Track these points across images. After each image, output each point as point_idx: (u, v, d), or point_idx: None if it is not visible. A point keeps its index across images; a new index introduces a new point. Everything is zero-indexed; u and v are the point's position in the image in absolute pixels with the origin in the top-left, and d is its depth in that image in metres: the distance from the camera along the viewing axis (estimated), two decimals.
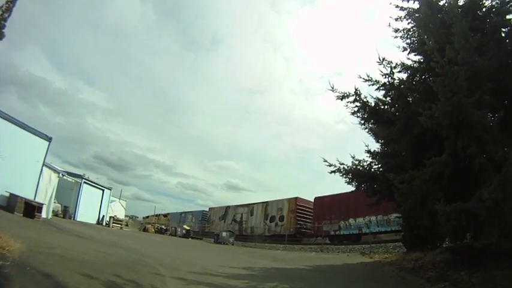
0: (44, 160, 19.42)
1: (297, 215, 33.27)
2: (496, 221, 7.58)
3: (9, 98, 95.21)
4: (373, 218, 25.05)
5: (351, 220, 26.82)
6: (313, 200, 32.42)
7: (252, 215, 39.81)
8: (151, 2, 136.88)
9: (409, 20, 13.23)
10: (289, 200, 35.10)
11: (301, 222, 32.78)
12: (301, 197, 34.72)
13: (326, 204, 29.85)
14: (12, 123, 16.70)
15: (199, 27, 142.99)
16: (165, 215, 62.30)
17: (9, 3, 9.07)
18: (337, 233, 27.56)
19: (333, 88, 13.17)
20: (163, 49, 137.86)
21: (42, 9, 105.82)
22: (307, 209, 33.40)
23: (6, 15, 8.80)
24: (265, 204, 38.23)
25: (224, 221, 44.78)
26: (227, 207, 46.14)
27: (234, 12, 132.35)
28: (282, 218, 34.84)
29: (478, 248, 8.19)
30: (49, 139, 19.48)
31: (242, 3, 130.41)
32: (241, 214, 41.89)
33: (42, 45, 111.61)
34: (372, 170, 13.58)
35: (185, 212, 58.19)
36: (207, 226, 47.11)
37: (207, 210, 52.00)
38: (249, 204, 41.59)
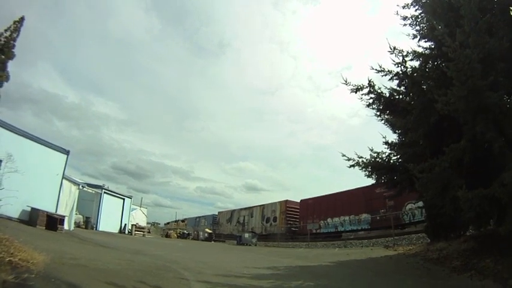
0: (63, 173, 19.70)
1: (287, 216, 36.96)
2: None
3: (23, 115, 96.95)
4: (346, 218, 28.62)
5: (329, 220, 30.46)
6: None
7: (252, 216, 43.74)
8: (155, 12, 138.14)
9: (417, 7, 13.06)
10: (280, 202, 38.90)
11: (291, 222, 36.08)
12: (290, 199, 38.47)
13: (310, 206, 33.68)
14: (29, 139, 17.10)
15: (205, 33, 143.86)
16: (182, 221, 65.64)
17: (16, 23, 9.27)
18: (317, 231, 30.76)
19: (346, 81, 13.12)
20: (172, 57, 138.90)
21: (49, 27, 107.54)
22: (295, 210, 36.71)
23: (15, 35, 8.99)
24: (262, 206, 42.22)
25: (230, 223, 48.54)
26: (233, 211, 50.07)
27: (238, 16, 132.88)
28: (275, 219, 38.70)
29: (502, 234, 8.03)
30: (67, 152, 19.76)
31: (244, 6, 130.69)
32: (244, 216, 45.81)
33: (52, 61, 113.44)
34: (391, 161, 13.47)
35: (199, 217, 62.23)
36: (216, 228, 49.45)
37: (217, 214, 55.99)
38: (250, 207, 45.70)
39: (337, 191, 31.20)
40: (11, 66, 9.15)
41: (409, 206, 23.27)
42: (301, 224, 33.62)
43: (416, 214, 22.39)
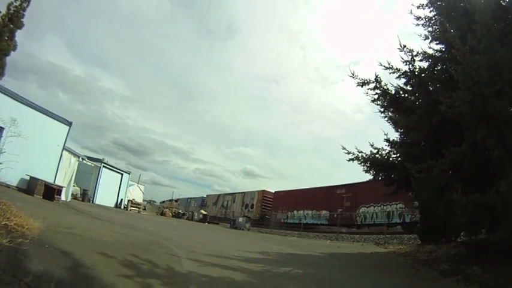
0: (64, 144, 19.66)
1: (262, 204, 40.70)
2: None
3: (29, 86, 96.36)
4: (309, 212, 32.29)
5: (295, 212, 34.24)
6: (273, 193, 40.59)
7: (234, 202, 47.47)
8: None
9: (431, 8, 12.92)
10: (258, 192, 42.62)
11: (265, 210, 39.71)
12: (266, 189, 42.29)
13: (281, 198, 37.79)
14: (32, 108, 17.00)
15: (215, 16, 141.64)
16: (176, 200, 66.64)
17: None
18: (285, 221, 34.46)
19: (353, 74, 13.08)
20: (180, 38, 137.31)
21: (59, 1, 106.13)
22: (269, 200, 40.43)
23: (25, 5, 8.97)
24: (243, 194, 46.01)
25: (216, 206, 52.58)
26: (219, 195, 54.68)
27: (248, 2, 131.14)
28: (252, 206, 42.31)
29: (492, 242, 8.11)
30: (69, 124, 19.67)
31: None
32: (228, 201, 49.67)
33: (60, 35, 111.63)
34: (391, 159, 13.44)
35: (190, 198, 67.47)
36: (204, 210, 50.74)
37: (205, 196, 60.29)
38: (233, 193, 50.12)
39: (335, 184, 31.91)
40: (19, 36, 9.11)
41: (362, 209, 26.18)
42: (273, 213, 37.36)
43: (368, 217, 25.41)
